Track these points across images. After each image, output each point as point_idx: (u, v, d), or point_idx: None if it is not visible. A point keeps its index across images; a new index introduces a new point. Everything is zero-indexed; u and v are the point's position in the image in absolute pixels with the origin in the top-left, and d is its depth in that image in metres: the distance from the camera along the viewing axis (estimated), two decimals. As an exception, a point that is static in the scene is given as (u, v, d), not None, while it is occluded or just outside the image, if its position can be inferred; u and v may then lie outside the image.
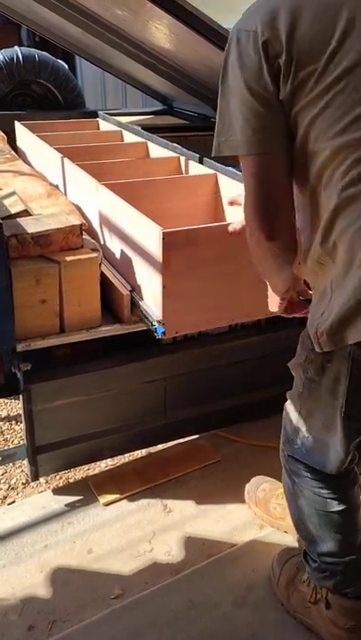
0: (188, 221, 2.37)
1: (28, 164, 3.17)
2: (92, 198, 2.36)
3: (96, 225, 2.43)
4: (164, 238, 1.76)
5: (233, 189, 2.36)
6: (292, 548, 1.95)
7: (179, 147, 2.95)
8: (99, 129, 3.88)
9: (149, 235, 1.85)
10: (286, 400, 1.64)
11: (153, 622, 1.79)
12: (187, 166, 2.84)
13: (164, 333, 1.89)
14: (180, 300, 1.87)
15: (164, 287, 1.83)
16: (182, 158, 2.85)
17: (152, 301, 1.96)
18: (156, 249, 1.81)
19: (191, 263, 1.85)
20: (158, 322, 1.90)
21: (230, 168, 2.58)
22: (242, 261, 1.78)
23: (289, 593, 1.81)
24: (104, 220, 2.31)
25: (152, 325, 1.94)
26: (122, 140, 3.46)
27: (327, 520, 1.62)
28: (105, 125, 3.87)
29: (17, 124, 3.57)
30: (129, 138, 3.41)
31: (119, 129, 3.55)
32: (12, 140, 3.47)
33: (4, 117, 3.79)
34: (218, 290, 1.94)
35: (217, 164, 2.65)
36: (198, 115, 3.97)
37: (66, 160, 2.66)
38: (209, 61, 2.60)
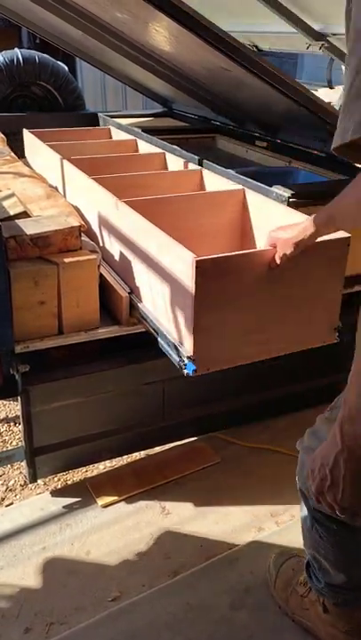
0: (213, 242, 2.29)
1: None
2: (112, 216, 2.19)
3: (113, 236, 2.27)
4: (197, 267, 1.55)
5: (261, 206, 2.22)
6: (288, 550, 1.94)
7: (235, 174, 2.64)
8: (111, 137, 3.71)
9: (179, 262, 1.65)
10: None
11: (151, 625, 1.79)
12: (202, 181, 2.66)
13: (195, 371, 1.66)
14: (213, 334, 1.65)
15: (195, 320, 1.60)
16: (205, 172, 2.64)
17: (181, 334, 1.72)
18: (187, 278, 1.60)
19: (227, 293, 1.62)
20: (189, 358, 1.67)
21: (230, 170, 2.59)
22: (283, 289, 1.66)
23: (287, 595, 1.81)
24: (125, 240, 2.09)
25: (181, 361, 1.71)
26: (136, 150, 3.31)
27: (347, 561, 1.56)
28: (118, 134, 3.67)
29: (25, 133, 3.42)
30: (144, 147, 3.24)
31: (133, 138, 3.38)
32: (11, 143, 3.47)
33: (5, 119, 3.80)
34: (255, 321, 1.71)
35: (217, 166, 2.65)
36: (198, 117, 3.98)
37: (82, 174, 2.49)
38: (208, 64, 2.61)
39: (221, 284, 1.60)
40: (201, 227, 2.29)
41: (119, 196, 2.14)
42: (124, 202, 2.07)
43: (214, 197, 2.34)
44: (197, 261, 1.55)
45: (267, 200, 2.21)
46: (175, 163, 2.91)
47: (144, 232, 1.91)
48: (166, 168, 2.95)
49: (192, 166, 2.79)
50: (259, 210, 2.25)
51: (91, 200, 2.43)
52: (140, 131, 3.36)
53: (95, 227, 2.42)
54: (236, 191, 2.33)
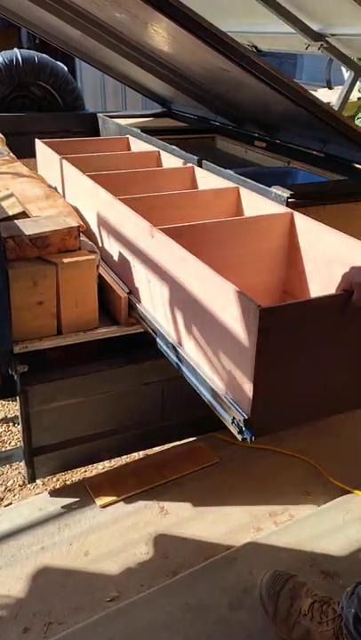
0: (259, 273, 2.04)
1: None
2: (145, 244, 1.94)
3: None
4: (261, 317, 1.29)
5: (311, 231, 1.96)
6: (277, 575, 1.85)
7: (233, 174, 2.54)
8: (129, 148, 3.37)
9: (236, 309, 1.40)
10: None
11: (149, 625, 1.79)
12: (239, 200, 2.38)
13: (252, 437, 1.42)
14: (275, 395, 1.41)
15: (256, 380, 1.35)
16: (243, 190, 2.36)
17: (235, 393, 1.50)
18: (246, 330, 1.36)
19: (295, 346, 1.38)
20: (246, 422, 1.41)
21: (228, 171, 2.59)
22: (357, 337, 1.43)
23: (289, 627, 1.72)
24: (160, 273, 1.84)
25: (235, 426, 1.48)
26: (160, 164, 3.02)
27: None
28: (137, 144, 3.30)
29: (38, 144, 3.14)
30: (168, 160, 2.95)
31: (156, 149, 3.09)
32: (11, 143, 3.47)
33: (4, 119, 3.80)
34: (324, 375, 1.49)
35: (216, 166, 2.65)
36: (197, 117, 3.99)
37: (109, 195, 2.18)
38: (207, 64, 2.61)
39: (290, 335, 1.36)
40: (241, 255, 2.04)
41: (151, 220, 1.91)
42: (160, 229, 1.83)
43: (259, 222, 2.07)
44: (262, 311, 1.29)
45: (319, 225, 1.94)
46: (206, 178, 2.61)
47: (185, 266, 1.66)
48: (195, 183, 2.67)
49: (225, 182, 2.48)
50: (308, 236, 1.98)
51: (119, 222, 2.15)
52: (160, 141, 3.12)
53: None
54: (282, 215, 2.07)
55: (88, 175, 2.46)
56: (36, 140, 3.15)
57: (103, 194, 2.25)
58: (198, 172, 2.70)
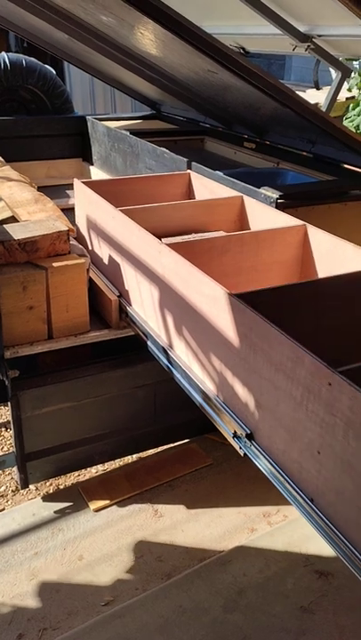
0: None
1: (90, 244, 2.27)
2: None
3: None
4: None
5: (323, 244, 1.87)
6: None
7: (223, 175, 2.38)
8: (191, 187, 2.61)
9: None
10: None
11: (143, 628, 1.78)
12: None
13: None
14: None
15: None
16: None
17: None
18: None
19: None
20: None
21: (218, 172, 2.59)
22: None
23: None
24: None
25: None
26: (244, 211, 2.30)
27: None
28: (205, 184, 2.54)
29: (76, 183, 2.43)
30: (259, 211, 2.23)
31: (238, 194, 2.31)
32: (-1, 146, 3.45)
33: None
34: None
35: (207, 169, 2.65)
36: (187, 119, 3.99)
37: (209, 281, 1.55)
38: (194, 66, 2.61)
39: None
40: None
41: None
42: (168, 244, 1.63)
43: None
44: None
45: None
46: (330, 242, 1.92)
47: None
48: (307, 243, 1.98)
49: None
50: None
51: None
52: (240, 182, 2.40)
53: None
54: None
55: (168, 244, 1.77)
56: (75, 181, 2.46)
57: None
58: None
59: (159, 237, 1.87)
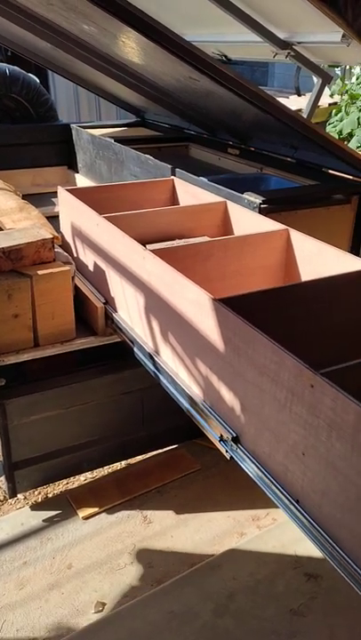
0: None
1: (75, 252, 2.26)
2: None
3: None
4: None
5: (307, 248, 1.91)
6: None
7: (207, 181, 2.38)
8: (175, 193, 2.66)
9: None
10: None
11: (134, 635, 1.78)
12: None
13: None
14: None
15: None
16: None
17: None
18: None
19: None
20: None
21: (202, 178, 2.61)
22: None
23: None
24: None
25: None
26: (227, 219, 2.33)
27: None
28: (189, 190, 2.56)
29: (60, 191, 2.46)
30: (242, 215, 2.26)
31: (222, 200, 2.35)
32: None
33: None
34: None
35: (191, 175, 2.67)
36: (171, 126, 4.01)
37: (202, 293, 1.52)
38: (176, 74, 2.63)
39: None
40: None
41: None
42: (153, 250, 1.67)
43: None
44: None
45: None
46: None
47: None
48: (290, 248, 2.00)
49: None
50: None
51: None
52: (224, 188, 2.40)
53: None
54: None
55: (153, 250, 1.81)
56: (59, 188, 2.50)
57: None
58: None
59: (144, 244, 1.88)
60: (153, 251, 1.78)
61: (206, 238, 2.25)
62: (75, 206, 2.33)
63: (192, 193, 2.54)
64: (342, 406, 1.08)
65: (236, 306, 1.41)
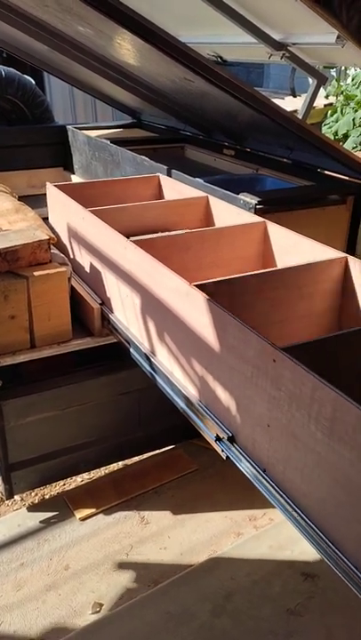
0: None
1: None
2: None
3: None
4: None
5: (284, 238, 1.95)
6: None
7: (203, 182, 2.42)
8: (160, 189, 2.72)
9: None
10: None
11: (131, 636, 1.78)
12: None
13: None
14: None
15: None
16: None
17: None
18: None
19: None
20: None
21: (198, 179, 2.62)
22: None
23: None
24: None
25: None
26: (209, 213, 2.39)
27: None
28: (174, 186, 2.63)
29: (49, 187, 2.53)
30: (223, 209, 2.31)
31: (204, 194, 2.40)
32: None
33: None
34: None
35: (187, 176, 2.68)
36: (167, 127, 4.01)
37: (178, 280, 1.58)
38: (171, 75, 2.64)
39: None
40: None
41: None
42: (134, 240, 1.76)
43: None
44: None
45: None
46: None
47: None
48: (267, 240, 2.06)
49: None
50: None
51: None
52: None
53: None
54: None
55: (134, 241, 1.87)
56: (48, 184, 2.56)
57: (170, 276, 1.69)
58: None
59: (129, 237, 1.93)
60: (133, 241, 1.84)
61: (187, 231, 2.30)
62: (62, 201, 2.38)
63: (176, 189, 2.59)
64: (300, 379, 1.15)
65: (209, 291, 1.49)
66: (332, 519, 1.18)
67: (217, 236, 2.06)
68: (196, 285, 1.52)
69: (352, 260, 1.72)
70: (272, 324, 1.69)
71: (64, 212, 2.39)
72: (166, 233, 2.25)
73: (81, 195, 2.41)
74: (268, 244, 2.06)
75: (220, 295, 1.54)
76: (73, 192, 2.40)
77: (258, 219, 2.10)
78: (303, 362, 1.17)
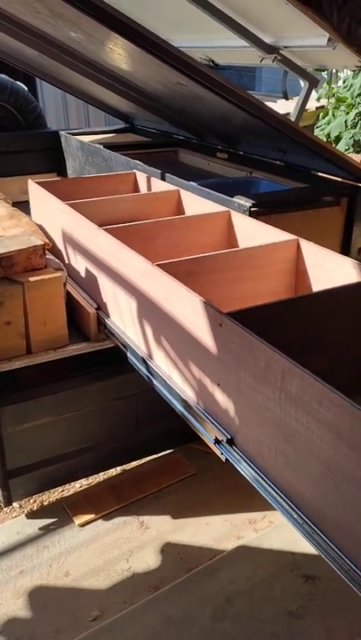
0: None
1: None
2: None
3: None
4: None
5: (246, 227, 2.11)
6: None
7: (196, 185, 2.50)
8: (137, 185, 2.89)
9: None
10: None
11: (132, 641, 1.77)
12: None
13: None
14: None
15: None
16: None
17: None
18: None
19: None
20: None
21: (192, 183, 2.62)
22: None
23: None
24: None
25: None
26: (180, 207, 2.57)
27: None
28: (148, 182, 2.80)
29: (30, 184, 2.67)
30: (193, 201, 2.49)
31: (175, 188, 2.59)
32: None
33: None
34: None
35: (181, 180, 2.68)
36: (160, 131, 4.02)
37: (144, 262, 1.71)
38: (164, 79, 2.64)
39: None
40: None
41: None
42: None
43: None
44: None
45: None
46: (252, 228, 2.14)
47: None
48: (231, 228, 2.24)
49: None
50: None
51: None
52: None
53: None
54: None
55: (105, 229, 2.00)
56: (29, 181, 2.70)
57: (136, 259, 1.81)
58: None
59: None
60: (105, 229, 1.99)
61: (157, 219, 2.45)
62: (42, 197, 2.51)
63: (151, 184, 2.74)
64: (249, 344, 1.25)
65: (171, 270, 1.62)
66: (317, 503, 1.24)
67: (185, 224, 2.23)
68: (160, 265, 1.64)
69: (303, 242, 1.87)
70: (235, 301, 1.79)
71: (43, 206, 2.53)
72: (138, 222, 2.37)
73: (60, 190, 2.57)
74: (232, 230, 2.24)
75: (184, 274, 1.69)
76: (53, 188, 2.57)
77: (223, 208, 2.28)
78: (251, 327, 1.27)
